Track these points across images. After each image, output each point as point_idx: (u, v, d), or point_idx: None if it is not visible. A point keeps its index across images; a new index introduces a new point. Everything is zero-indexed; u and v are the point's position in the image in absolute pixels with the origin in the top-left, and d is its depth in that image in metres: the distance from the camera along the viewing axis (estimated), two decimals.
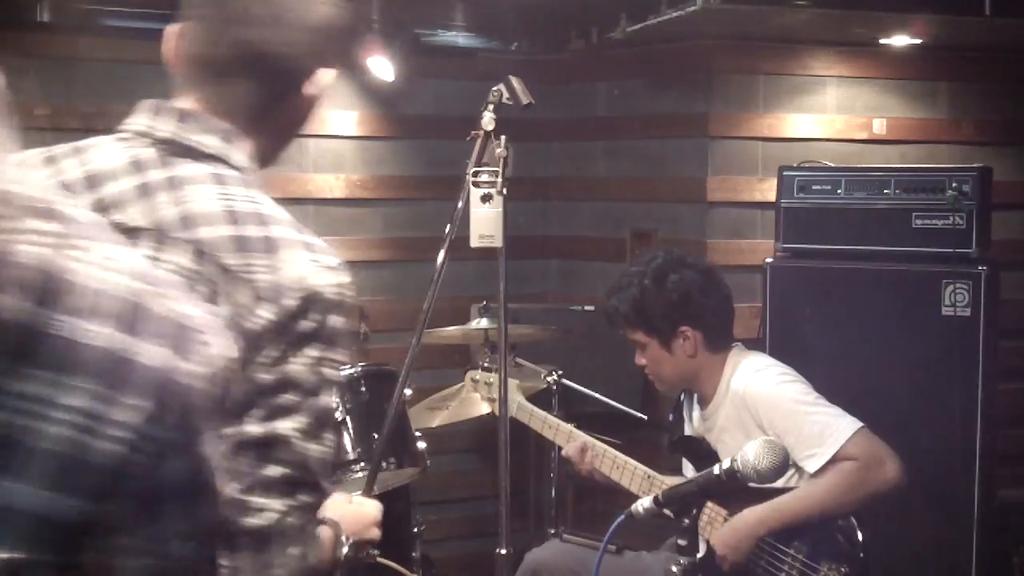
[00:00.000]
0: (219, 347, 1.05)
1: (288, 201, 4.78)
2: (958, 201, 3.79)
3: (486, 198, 2.61)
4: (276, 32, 1.56)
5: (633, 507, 2.16)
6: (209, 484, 1.05)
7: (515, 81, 2.69)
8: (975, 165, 3.98)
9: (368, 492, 2.84)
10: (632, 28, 4.31)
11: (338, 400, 3.47)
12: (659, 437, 4.53)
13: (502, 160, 2.60)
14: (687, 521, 2.19)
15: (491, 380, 3.52)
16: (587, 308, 4.67)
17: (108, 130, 1.64)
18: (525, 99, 2.68)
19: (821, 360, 3.80)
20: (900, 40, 4.60)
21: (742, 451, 2.11)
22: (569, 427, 3.38)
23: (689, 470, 3.30)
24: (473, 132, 2.67)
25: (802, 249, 4.13)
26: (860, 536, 2.96)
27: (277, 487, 1.45)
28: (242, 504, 1.44)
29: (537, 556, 3.43)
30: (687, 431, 3.34)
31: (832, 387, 3.19)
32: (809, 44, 4.77)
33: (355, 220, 4.94)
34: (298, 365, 1.46)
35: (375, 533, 1.90)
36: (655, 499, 2.15)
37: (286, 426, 1.46)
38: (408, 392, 3.55)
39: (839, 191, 4.06)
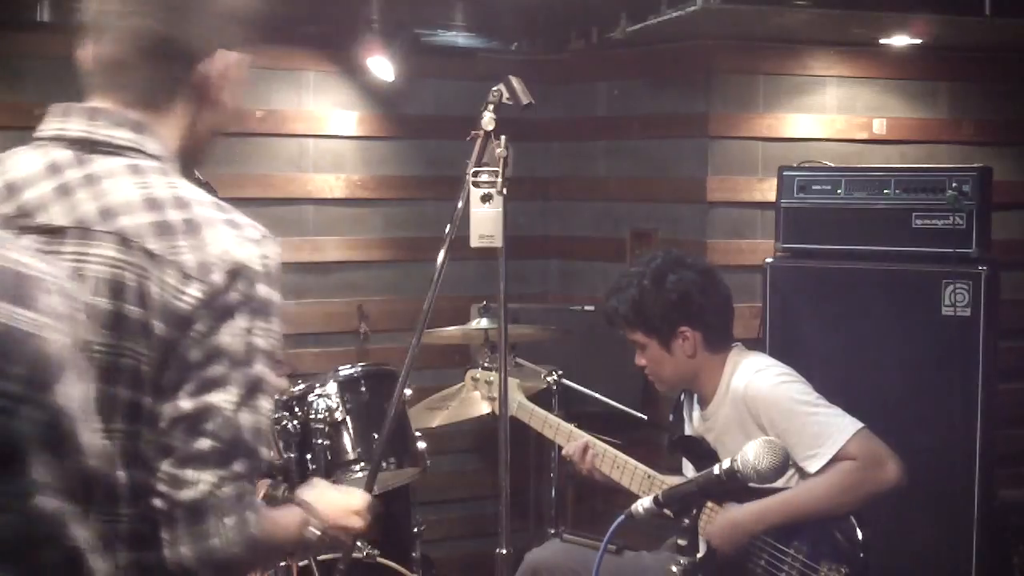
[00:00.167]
0: (62, 296, 1.05)
1: (288, 201, 4.81)
2: (958, 201, 3.79)
3: (486, 198, 2.61)
4: (169, 16, 1.59)
5: (633, 507, 2.16)
6: (69, 435, 1.05)
7: (515, 81, 2.69)
8: (975, 165, 3.98)
9: (368, 492, 2.84)
10: (632, 28, 4.31)
11: (338, 400, 3.47)
12: (659, 437, 4.53)
13: (502, 160, 2.59)
14: (687, 521, 2.19)
15: (491, 379, 3.51)
16: (587, 308, 4.67)
17: None
18: (525, 99, 2.67)
19: (821, 360, 3.80)
20: (900, 40, 4.60)
21: (742, 451, 2.11)
22: (569, 427, 3.38)
23: (689, 470, 3.30)
24: (473, 132, 2.67)
25: (802, 249, 4.13)
26: (860, 536, 2.96)
27: (210, 458, 1.50)
28: (176, 478, 1.50)
29: (537, 556, 3.43)
30: (687, 431, 3.34)
31: (832, 387, 3.19)
32: (809, 44, 4.77)
33: (355, 220, 4.94)
34: (227, 336, 1.51)
35: (355, 522, 1.92)
36: (655, 499, 2.15)
37: (217, 398, 1.50)
38: (408, 392, 3.55)
39: (839, 191, 4.06)
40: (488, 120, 2.64)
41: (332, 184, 4.88)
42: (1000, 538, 4.00)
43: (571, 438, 3.34)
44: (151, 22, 1.58)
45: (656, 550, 3.33)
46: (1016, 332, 4.64)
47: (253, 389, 1.54)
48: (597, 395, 4.15)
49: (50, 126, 1.61)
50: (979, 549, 3.75)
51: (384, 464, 3.47)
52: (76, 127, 1.58)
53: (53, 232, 1.53)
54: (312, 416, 3.38)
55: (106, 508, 1.51)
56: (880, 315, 3.93)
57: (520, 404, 3.43)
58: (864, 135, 4.88)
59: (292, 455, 3.34)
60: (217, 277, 1.51)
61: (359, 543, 3.26)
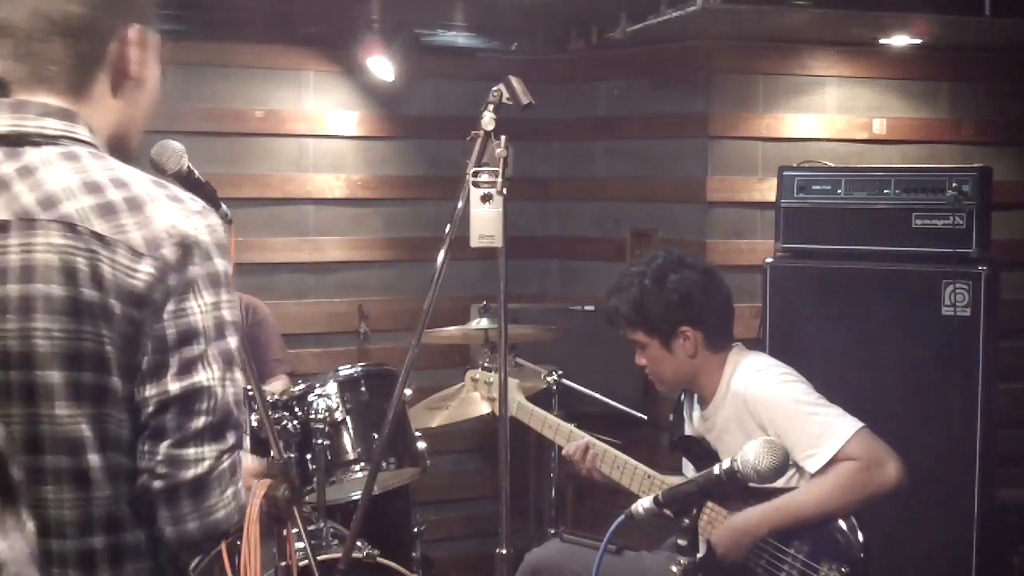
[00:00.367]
0: None
1: (288, 201, 4.82)
2: (958, 201, 3.79)
3: (486, 198, 2.61)
4: None
5: (633, 507, 2.16)
6: None
7: (515, 81, 2.68)
8: (975, 165, 3.98)
9: (368, 492, 2.85)
10: (632, 28, 4.31)
11: (338, 400, 3.47)
12: (659, 437, 4.53)
13: (502, 160, 2.59)
14: (687, 521, 2.19)
15: (491, 379, 3.51)
16: (587, 308, 4.67)
17: None
18: (525, 99, 2.67)
19: (821, 360, 3.80)
20: (900, 40, 4.60)
21: (742, 451, 2.11)
22: (569, 427, 3.38)
23: (689, 470, 3.30)
24: (473, 132, 2.67)
25: (802, 249, 4.14)
26: (860, 536, 2.96)
27: (207, 435, 1.54)
28: (177, 458, 1.53)
29: (537, 556, 3.43)
30: (687, 431, 3.34)
31: (832, 387, 3.18)
32: (809, 44, 4.77)
33: (355, 220, 4.95)
34: (198, 314, 1.54)
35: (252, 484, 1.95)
36: (655, 499, 2.15)
37: (202, 377, 1.54)
38: (408, 392, 3.55)
39: (839, 191, 4.06)
40: (488, 120, 2.64)
41: (332, 184, 4.88)
42: (1000, 538, 4.00)
43: (571, 438, 3.34)
44: (62, 2, 1.58)
45: (656, 550, 3.33)
46: (1016, 332, 4.64)
47: (230, 362, 1.58)
48: (597, 395, 4.15)
49: None
50: (979, 549, 3.75)
51: (384, 464, 3.47)
52: (3, 122, 1.58)
53: None
54: (312, 416, 3.38)
55: (78, 493, 1.52)
56: (880, 315, 3.93)
57: (520, 404, 3.43)
58: (864, 135, 4.88)
59: (292, 455, 3.34)
60: (167, 251, 1.53)
61: (359, 543, 3.26)
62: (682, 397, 3.40)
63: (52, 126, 1.58)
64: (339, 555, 3.07)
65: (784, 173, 4.18)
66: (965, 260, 3.79)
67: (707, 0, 3.81)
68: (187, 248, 1.54)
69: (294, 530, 2.43)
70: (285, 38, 4.77)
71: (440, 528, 4.79)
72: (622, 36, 4.38)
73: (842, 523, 2.97)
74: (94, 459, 1.52)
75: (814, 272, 4.08)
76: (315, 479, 3.37)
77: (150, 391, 1.53)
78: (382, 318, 4.92)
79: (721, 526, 3.04)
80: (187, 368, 1.53)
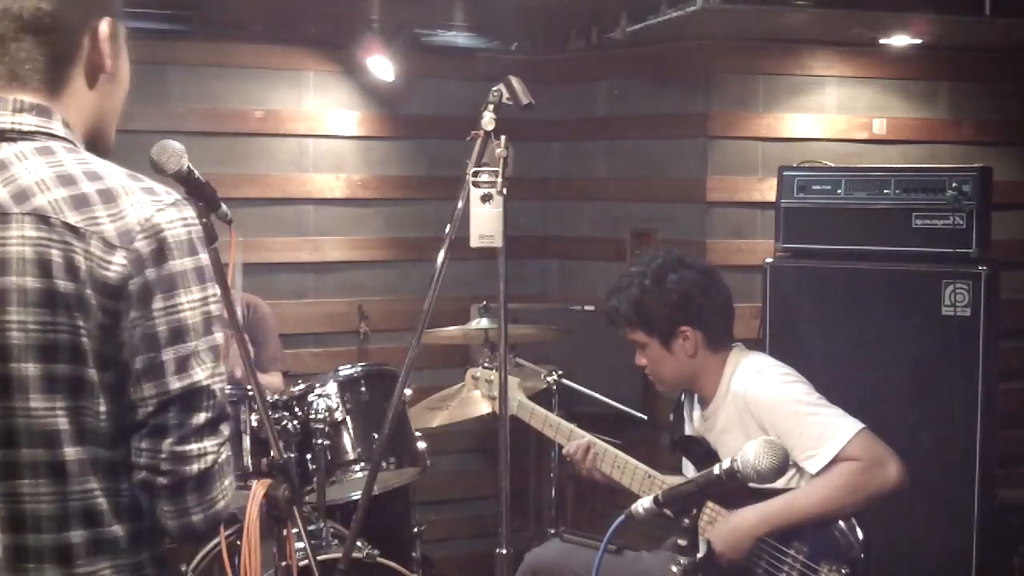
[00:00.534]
0: None
1: (288, 201, 4.82)
2: (958, 201, 3.79)
3: (486, 198, 2.61)
4: None
5: (633, 507, 2.16)
6: None
7: (515, 81, 2.69)
8: (975, 165, 3.97)
9: (368, 492, 2.85)
10: (632, 28, 4.31)
11: (338, 400, 3.47)
12: (659, 437, 4.54)
13: (502, 160, 2.59)
14: (687, 521, 2.19)
15: (492, 378, 3.51)
16: (587, 308, 4.67)
17: None
18: (525, 99, 2.68)
19: (821, 360, 3.80)
20: (900, 40, 4.60)
21: (742, 451, 2.11)
22: (570, 426, 3.38)
23: (689, 470, 3.30)
24: (473, 132, 2.67)
25: (802, 249, 4.13)
26: (860, 536, 2.96)
27: (207, 430, 1.57)
28: (182, 455, 1.55)
29: (537, 556, 3.43)
30: (687, 431, 3.33)
31: (832, 387, 3.18)
32: (809, 44, 4.77)
33: (355, 220, 4.95)
34: (186, 311, 1.55)
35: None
36: (655, 499, 2.15)
37: (200, 375, 1.56)
38: (408, 392, 3.55)
39: (839, 191, 4.06)
40: (488, 120, 2.64)
41: (332, 184, 4.88)
42: (1000, 538, 4.00)
43: (571, 438, 3.34)
44: (34, 0, 1.58)
45: (656, 550, 3.33)
46: (1016, 332, 4.65)
47: (217, 356, 1.59)
48: (597, 395, 4.15)
49: None
50: (979, 549, 3.75)
51: (384, 464, 3.47)
52: None
53: None
54: (312, 416, 3.38)
55: (54, 487, 1.53)
56: (880, 315, 3.93)
57: (520, 404, 3.43)
58: (864, 135, 4.88)
59: (292, 455, 3.34)
60: (140, 244, 1.53)
61: (359, 543, 3.26)
62: (682, 397, 3.40)
63: (27, 122, 1.59)
64: (339, 555, 3.07)
65: (784, 173, 4.18)
66: (965, 260, 3.79)
67: (707, 0, 3.81)
68: (162, 241, 1.54)
69: (294, 530, 2.44)
70: (285, 38, 4.77)
71: (440, 528, 4.79)
72: (622, 36, 4.38)
73: (842, 523, 2.97)
74: (71, 452, 1.53)
75: (814, 272, 4.08)
76: (315, 479, 3.37)
77: (149, 390, 1.53)
78: (382, 318, 4.92)
79: (721, 526, 3.04)
80: (184, 366, 1.54)
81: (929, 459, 3.59)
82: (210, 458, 1.57)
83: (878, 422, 3.06)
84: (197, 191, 2.17)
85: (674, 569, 2.21)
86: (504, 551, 2.64)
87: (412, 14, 4.73)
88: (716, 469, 2.14)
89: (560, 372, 3.99)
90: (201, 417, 1.56)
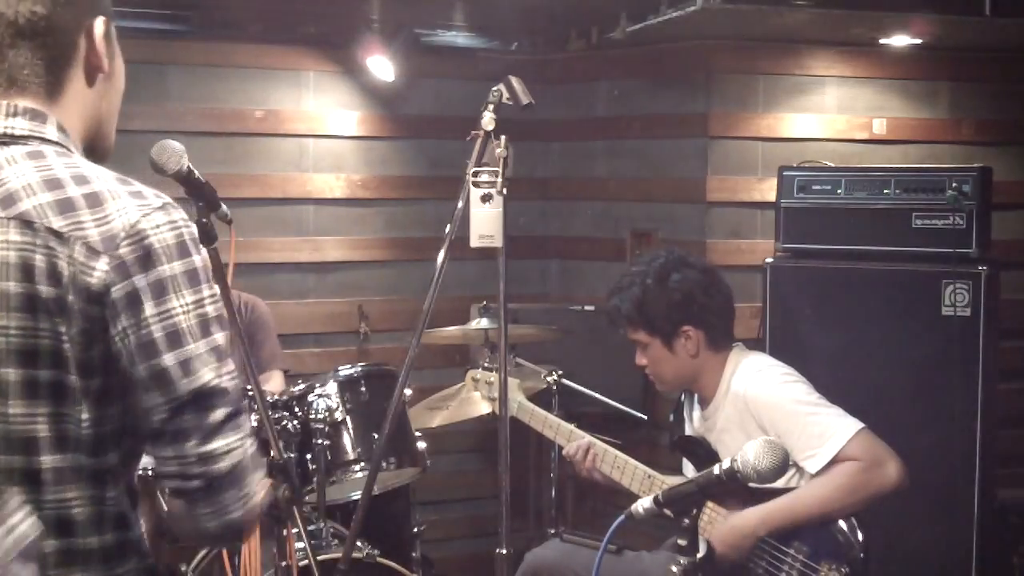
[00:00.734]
0: None
1: (288, 201, 4.81)
2: (958, 201, 3.79)
3: (486, 198, 2.61)
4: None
5: (633, 507, 2.16)
6: None
7: (515, 81, 2.69)
8: (975, 165, 3.97)
9: (368, 492, 2.84)
10: (632, 28, 4.31)
11: (338, 400, 3.47)
12: (659, 437, 4.54)
13: (502, 160, 2.59)
14: (687, 521, 2.19)
15: (491, 379, 3.51)
16: (587, 308, 4.67)
17: None
18: (525, 99, 2.67)
19: (821, 360, 3.80)
20: (900, 40, 4.60)
21: (742, 451, 2.10)
22: (570, 427, 3.38)
23: (689, 470, 3.30)
24: (473, 132, 2.67)
25: (802, 249, 4.13)
26: (860, 536, 2.96)
27: (228, 424, 1.56)
28: (208, 454, 1.54)
29: (537, 556, 3.43)
30: (687, 431, 3.33)
31: (832, 387, 3.18)
32: (809, 44, 4.77)
33: (355, 220, 4.95)
34: (180, 315, 1.53)
35: None
36: (655, 499, 2.15)
37: (207, 375, 1.54)
38: (408, 392, 3.55)
39: (839, 191, 4.06)
40: (488, 120, 2.64)
41: (332, 184, 4.88)
42: (1000, 538, 4.00)
43: (571, 438, 3.34)
44: (25, 4, 1.58)
45: (656, 550, 3.33)
46: (1016, 332, 4.64)
47: (221, 355, 1.58)
48: (597, 395, 4.15)
49: None
50: (979, 549, 3.74)
51: (384, 464, 3.47)
52: None
53: None
54: (312, 416, 3.38)
55: (27, 496, 1.51)
56: (880, 315, 3.93)
57: (520, 404, 3.43)
58: (864, 135, 4.88)
59: (292, 455, 3.34)
60: (125, 250, 1.51)
61: (359, 543, 3.26)
62: (682, 397, 3.40)
63: (20, 126, 1.59)
64: (339, 555, 3.07)
65: (784, 173, 4.18)
66: (965, 260, 3.79)
67: (707, 0, 3.81)
68: (148, 248, 1.52)
69: (294, 530, 2.44)
70: (285, 38, 4.77)
71: (440, 528, 4.79)
72: (622, 36, 4.38)
73: (842, 523, 2.97)
74: (47, 460, 1.51)
75: (814, 272, 4.08)
76: (315, 479, 3.37)
77: (159, 397, 1.52)
78: (382, 318, 4.92)
79: (721, 526, 3.04)
80: (189, 369, 1.53)
81: (929, 459, 3.58)
82: (237, 452, 1.55)
83: (878, 422, 3.06)
84: (197, 191, 2.16)
85: (674, 569, 2.21)
86: (504, 551, 2.64)
87: (412, 14, 4.73)
88: (716, 469, 2.14)
89: (560, 372, 3.99)
90: (219, 414, 1.54)
